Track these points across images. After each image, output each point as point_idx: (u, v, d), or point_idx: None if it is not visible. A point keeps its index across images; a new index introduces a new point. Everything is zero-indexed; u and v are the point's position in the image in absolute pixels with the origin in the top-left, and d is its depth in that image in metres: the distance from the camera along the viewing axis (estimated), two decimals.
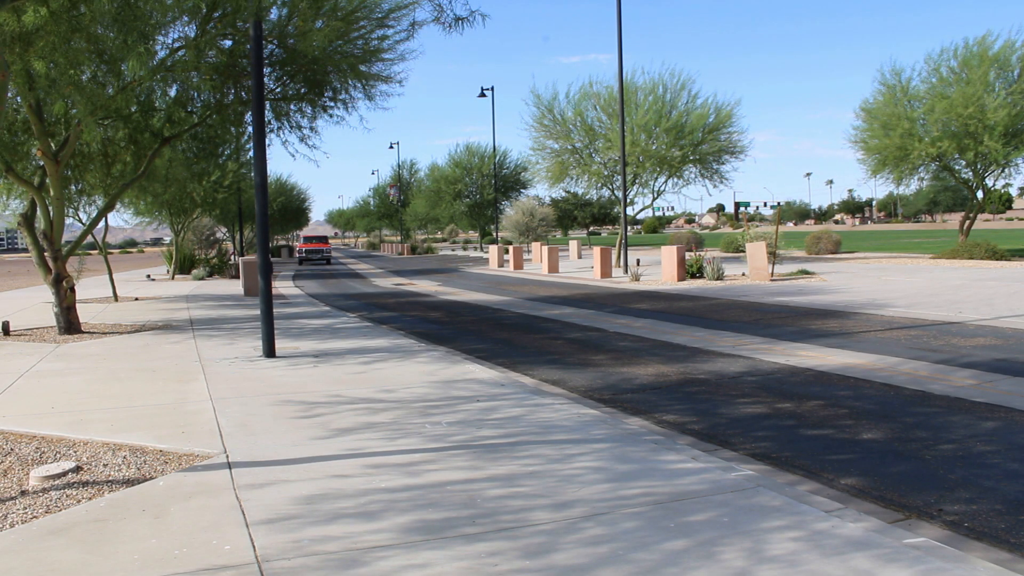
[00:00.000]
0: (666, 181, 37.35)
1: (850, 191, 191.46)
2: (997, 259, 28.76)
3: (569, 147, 37.67)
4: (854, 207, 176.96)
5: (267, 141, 14.09)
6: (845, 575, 3.85)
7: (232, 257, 42.64)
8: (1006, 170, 32.59)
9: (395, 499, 4.95)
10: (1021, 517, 4.79)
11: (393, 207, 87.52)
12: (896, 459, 5.98)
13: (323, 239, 58.76)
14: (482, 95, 50.08)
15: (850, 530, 4.39)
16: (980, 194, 33.66)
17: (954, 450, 6.17)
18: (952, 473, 5.62)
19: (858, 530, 4.39)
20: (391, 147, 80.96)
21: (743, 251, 28.80)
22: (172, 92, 16.22)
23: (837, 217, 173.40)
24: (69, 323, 13.88)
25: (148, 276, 34.87)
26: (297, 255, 56.46)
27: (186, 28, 13.23)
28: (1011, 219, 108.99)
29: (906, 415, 7.29)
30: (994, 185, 34.18)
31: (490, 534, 4.37)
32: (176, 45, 13.23)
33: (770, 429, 6.90)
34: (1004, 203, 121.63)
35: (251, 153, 16.03)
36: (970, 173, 33.03)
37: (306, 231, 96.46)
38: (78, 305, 15.34)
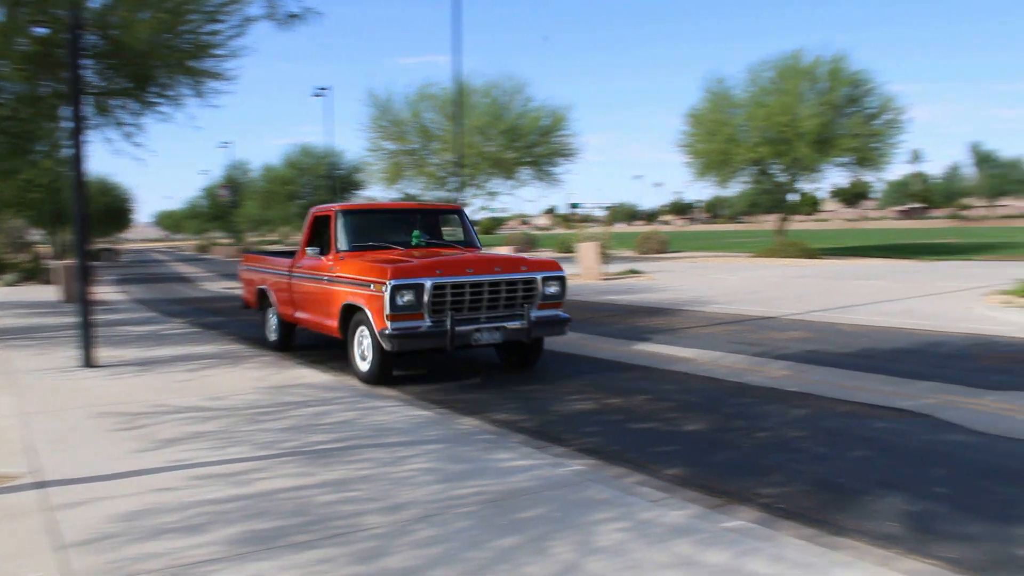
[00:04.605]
0: (501, 183, 37.88)
1: (677, 193, 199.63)
2: (809, 257, 30.81)
3: (405, 148, 37.59)
4: (681, 208, 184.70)
5: (88, 138, 13.30)
6: (668, 561, 4.02)
7: (47, 261, 39.99)
8: (816, 174, 34.92)
9: (223, 510, 4.79)
10: (825, 495, 5.16)
11: (225, 208, 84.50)
12: (717, 448, 6.29)
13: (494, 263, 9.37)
14: (317, 94, 49.25)
15: (673, 518, 4.59)
16: (794, 196, 35.93)
17: (769, 437, 6.56)
18: (767, 459, 5.97)
19: (681, 517, 4.60)
20: (222, 146, 78.37)
21: (575, 251, 29.56)
22: None
23: (665, 218, 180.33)
24: None
25: None
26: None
27: None
28: (823, 220, 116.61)
29: (726, 406, 7.68)
30: (805, 189, 36.61)
31: (321, 541, 4.30)
32: None
33: (599, 424, 7.11)
34: (813, 205, 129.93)
35: (70, 150, 15.11)
36: (786, 177, 35.17)
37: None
38: None
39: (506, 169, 36.48)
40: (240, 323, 15.90)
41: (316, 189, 69.01)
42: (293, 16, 12.93)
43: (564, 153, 37.65)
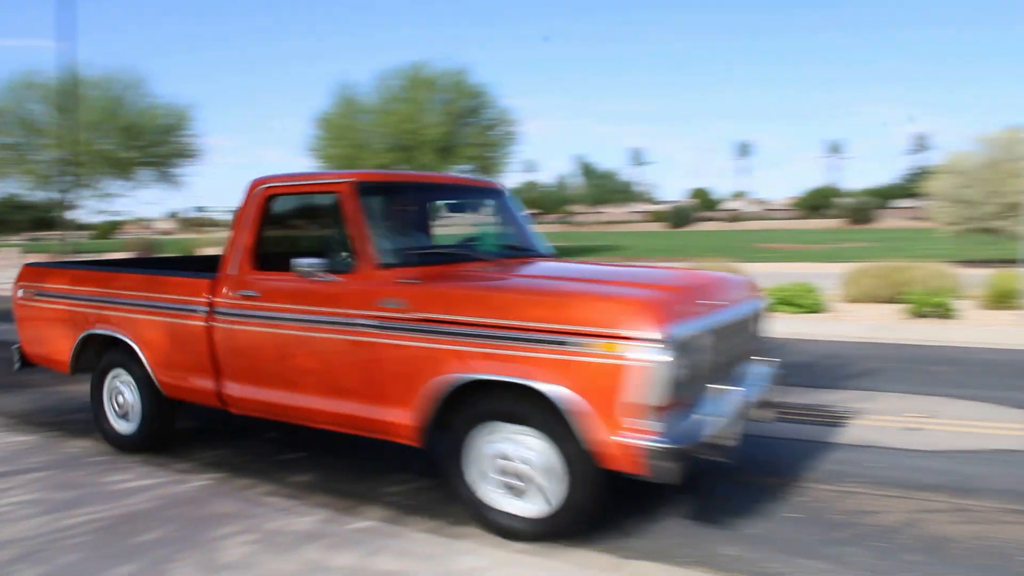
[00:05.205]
0: (118, 183, 35.21)
1: None
2: None
3: (3, 142, 33.65)
4: None
5: None
6: (298, 569, 4.03)
7: None
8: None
9: None
10: (448, 489, 5.44)
11: None
12: (342, 452, 6.37)
13: None
14: None
15: (302, 524, 4.60)
16: None
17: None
18: (392, 459, 6.17)
19: (310, 523, 4.62)
20: None
21: None
22: None
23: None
24: None
25: None
26: None
27: None
28: (446, 225, 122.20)
29: None
30: None
31: None
32: None
33: (227, 436, 6.89)
34: None
35: None
36: None
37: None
38: None
39: (123, 169, 33.97)
40: None
41: None
42: None
43: (187, 154, 35.89)
